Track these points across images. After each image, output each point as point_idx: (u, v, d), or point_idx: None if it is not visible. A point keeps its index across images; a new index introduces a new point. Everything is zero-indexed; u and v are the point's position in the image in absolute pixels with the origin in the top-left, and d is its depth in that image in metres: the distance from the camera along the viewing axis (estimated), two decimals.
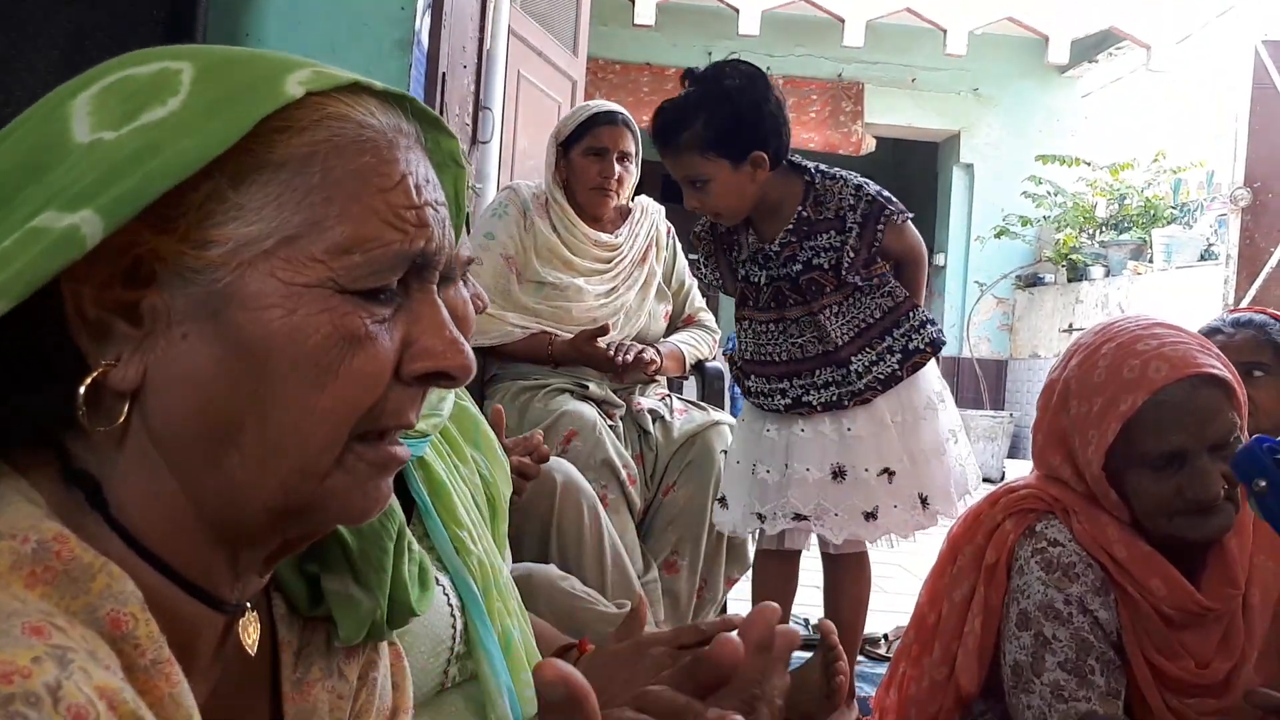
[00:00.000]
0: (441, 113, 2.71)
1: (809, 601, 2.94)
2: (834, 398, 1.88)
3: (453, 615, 1.00)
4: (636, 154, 2.31)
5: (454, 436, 1.14)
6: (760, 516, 1.92)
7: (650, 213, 2.41)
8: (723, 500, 1.99)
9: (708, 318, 2.51)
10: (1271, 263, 4.33)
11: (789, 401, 1.90)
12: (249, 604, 0.55)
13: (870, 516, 1.88)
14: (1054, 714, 1.26)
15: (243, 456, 0.47)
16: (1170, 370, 1.25)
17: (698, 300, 2.51)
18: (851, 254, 1.82)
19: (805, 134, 7.70)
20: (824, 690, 1.75)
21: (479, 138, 3.10)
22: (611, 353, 2.16)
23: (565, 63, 3.94)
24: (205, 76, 0.46)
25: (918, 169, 8.95)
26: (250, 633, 0.55)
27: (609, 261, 2.30)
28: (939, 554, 1.48)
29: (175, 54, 0.48)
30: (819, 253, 1.84)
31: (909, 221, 1.88)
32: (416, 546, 0.72)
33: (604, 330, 2.15)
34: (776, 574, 2.04)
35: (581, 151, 2.26)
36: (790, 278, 1.86)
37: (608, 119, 2.28)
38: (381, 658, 0.67)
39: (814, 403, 1.89)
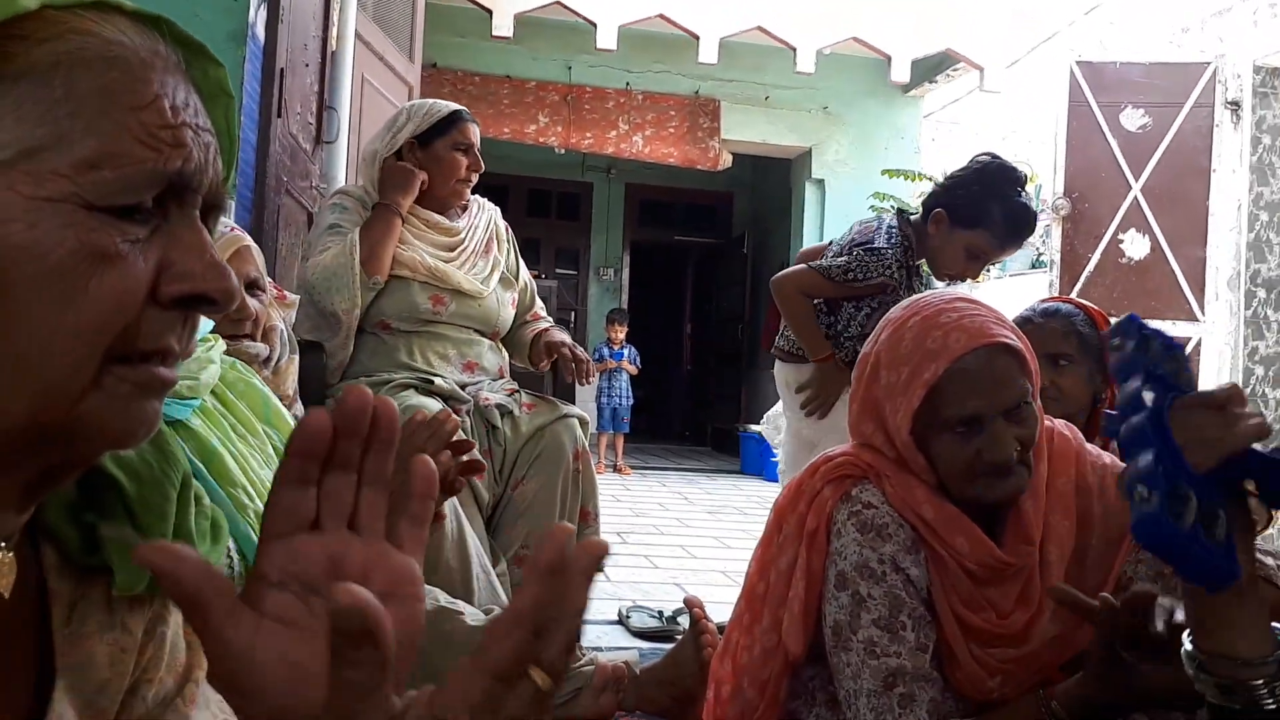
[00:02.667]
0: (281, 110, 2.66)
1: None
2: None
3: (231, 570, 1.05)
4: None
5: (242, 412, 1.20)
6: None
7: (487, 209, 2.46)
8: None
9: (546, 317, 2.57)
10: (1090, 267, 4.66)
11: None
12: (3, 544, 0.53)
13: None
14: (866, 670, 1.32)
15: None
16: (968, 340, 1.33)
17: (538, 302, 2.55)
18: None
19: (665, 149, 7.85)
20: (698, 665, 1.79)
21: (324, 137, 3.05)
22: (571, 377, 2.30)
23: (403, 68, 3.93)
24: None
25: (773, 185, 9.23)
26: (4, 574, 0.53)
27: (453, 249, 2.31)
28: (766, 525, 1.54)
29: None
30: None
31: None
32: (209, 503, 0.72)
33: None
34: None
35: (449, 146, 2.31)
36: None
37: (468, 116, 2.37)
38: (172, 613, 0.65)
39: None
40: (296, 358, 2.26)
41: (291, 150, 2.92)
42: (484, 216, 2.44)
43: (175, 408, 1.07)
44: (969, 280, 2.40)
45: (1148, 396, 0.80)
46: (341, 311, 2.16)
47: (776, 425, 2.58)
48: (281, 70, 2.46)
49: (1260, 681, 0.76)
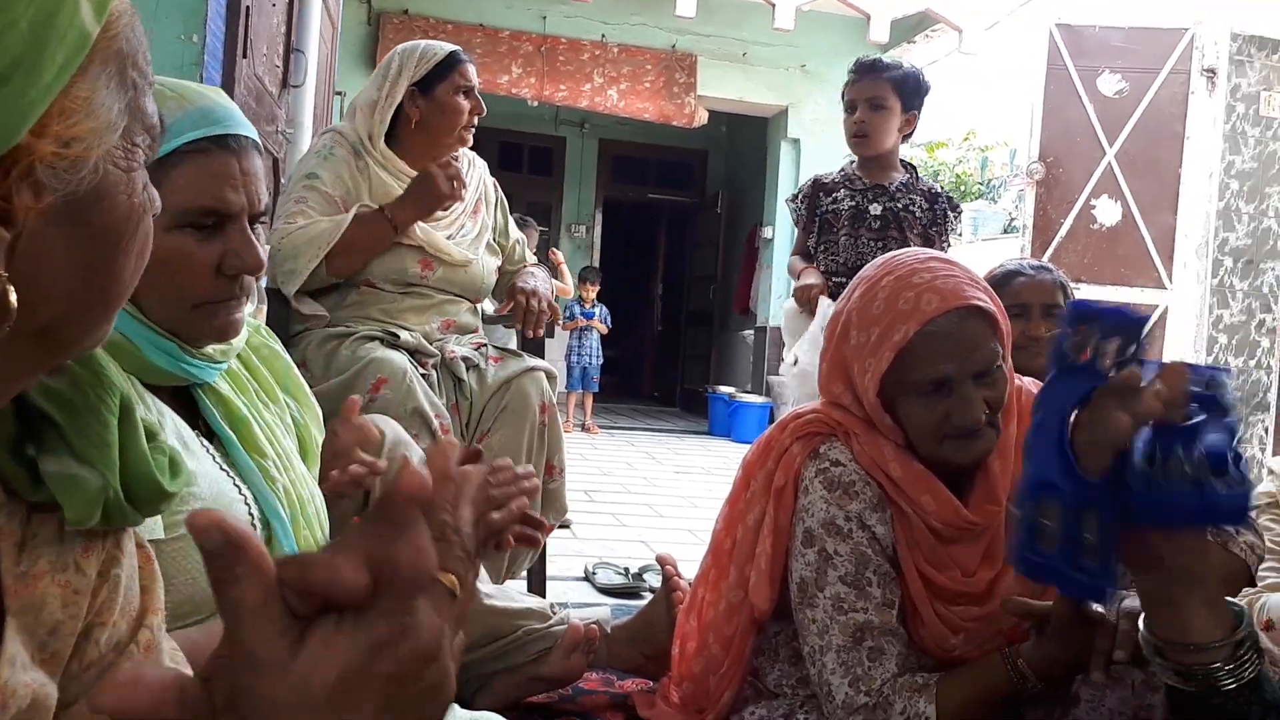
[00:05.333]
0: (246, 51, 2.58)
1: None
2: None
3: (253, 525, 1.05)
4: None
5: (265, 378, 1.21)
6: None
7: (477, 166, 2.37)
8: None
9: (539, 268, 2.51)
10: (1061, 232, 4.67)
11: None
12: None
13: None
14: (834, 625, 1.33)
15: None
16: (940, 302, 1.32)
17: (529, 255, 2.49)
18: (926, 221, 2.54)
19: (640, 104, 7.76)
20: (670, 623, 1.79)
21: (291, 81, 2.96)
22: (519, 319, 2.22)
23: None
24: None
25: (748, 144, 9.17)
26: None
27: (446, 208, 2.24)
28: (734, 481, 1.53)
29: None
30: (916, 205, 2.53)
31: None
32: (168, 442, 0.69)
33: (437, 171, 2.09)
34: None
35: (451, 90, 2.20)
36: (905, 209, 2.52)
37: (465, 56, 2.25)
38: (127, 555, 0.64)
39: None
40: (265, 307, 2.22)
41: (257, 93, 2.84)
42: (474, 174, 2.35)
43: (203, 369, 1.08)
44: (873, 143, 2.55)
45: (1055, 393, 0.79)
46: (281, 285, 2.09)
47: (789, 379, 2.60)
48: (247, 8, 2.39)
49: (1216, 664, 0.75)
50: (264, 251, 1.13)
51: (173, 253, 1.05)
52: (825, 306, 2.58)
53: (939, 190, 2.60)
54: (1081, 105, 4.69)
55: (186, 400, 1.11)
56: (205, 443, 1.08)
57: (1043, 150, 4.71)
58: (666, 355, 11.24)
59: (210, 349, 1.10)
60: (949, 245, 2.63)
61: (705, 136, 9.52)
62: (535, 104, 7.64)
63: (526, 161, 10.28)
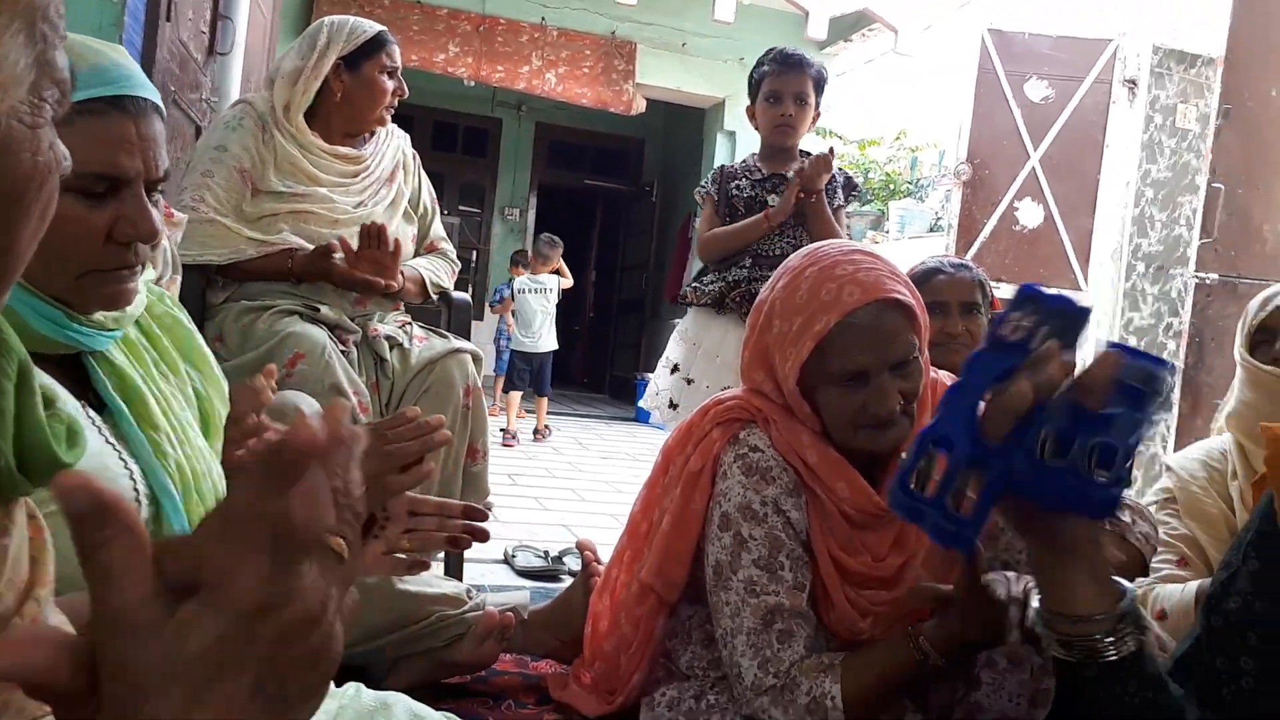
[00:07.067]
0: (170, 14, 2.50)
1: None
2: None
3: (138, 502, 1.00)
4: None
5: (166, 348, 1.14)
6: None
7: (396, 135, 2.34)
8: None
9: (448, 247, 2.45)
10: (985, 232, 4.78)
11: None
12: None
13: None
14: (746, 608, 1.34)
15: None
16: (862, 294, 1.34)
17: (439, 230, 2.45)
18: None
19: (578, 89, 7.72)
20: (587, 608, 1.79)
21: (217, 49, 2.88)
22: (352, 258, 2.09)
23: None
24: None
25: (685, 134, 9.19)
26: None
27: (355, 175, 2.21)
28: (654, 465, 1.54)
29: None
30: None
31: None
32: (65, 411, 0.67)
33: (334, 248, 2.06)
34: None
35: (377, 69, 2.19)
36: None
37: (391, 37, 2.25)
38: (17, 526, 0.61)
39: None
40: (179, 278, 2.16)
41: (181, 59, 2.75)
42: (392, 144, 2.33)
43: (93, 337, 1.02)
44: (797, 135, 2.61)
45: (986, 362, 0.81)
46: (193, 258, 2.05)
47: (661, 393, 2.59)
48: None
49: (1097, 635, 0.78)
50: (160, 219, 1.08)
51: (61, 217, 0.99)
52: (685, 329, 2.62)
53: (835, 171, 2.64)
54: (1009, 110, 4.80)
55: (78, 370, 1.06)
56: (93, 415, 1.01)
57: (970, 152, 4.82)
58: (598, 342, 11.23)
59: (101, 316, 1.03)
60: (849, 227, 2.70)
61: (643, 125, 9.51)
62: (472, 84, 7.54)
63: (461, 142, 10.15)
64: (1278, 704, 0.80)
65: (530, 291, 6.67)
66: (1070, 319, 0.81)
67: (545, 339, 6.59)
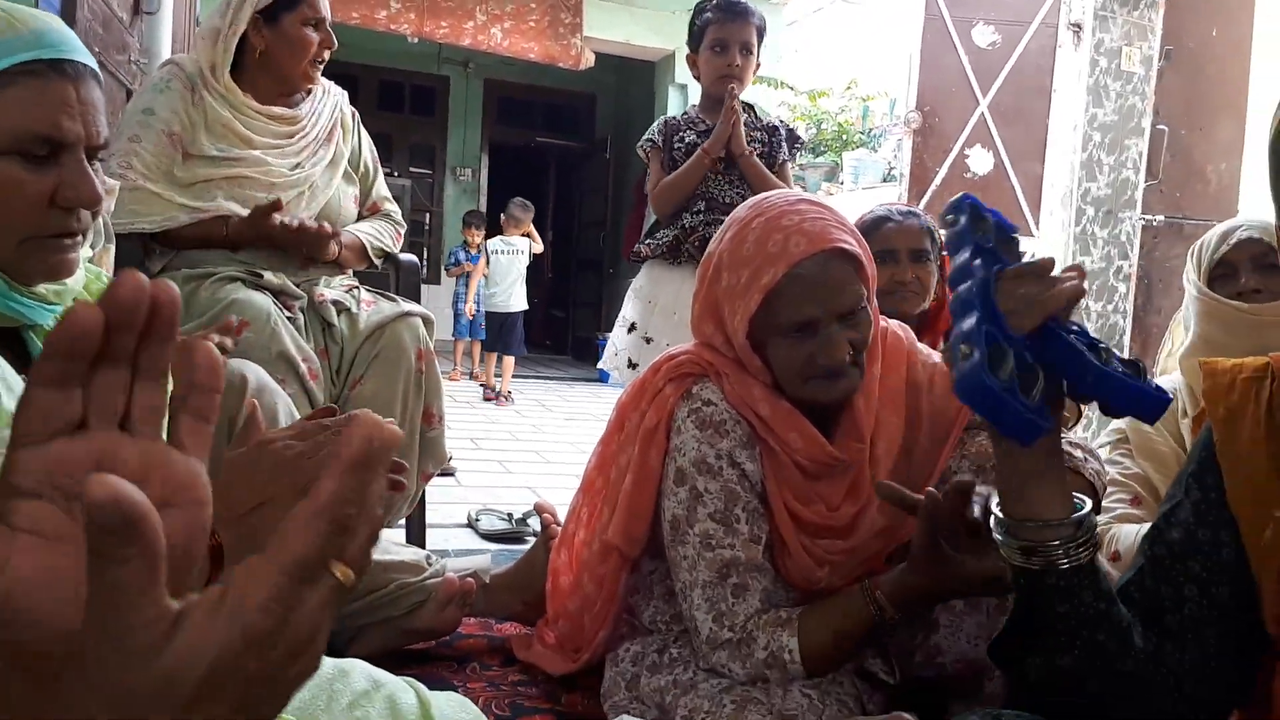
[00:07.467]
0: None
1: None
2: None
3: None
4: None
5: None
6: None
7: (333, 93, 2.27)
8: None
9: (393, 208, 2.40)
10: (937, 181, 4.80)
11: None
12: None
13: None
14: (702, 562, 1.35)
15: None
16: (808, 244, 1.33)
17: (382, 189, 2.39)
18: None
19: (525, 43, 7.57)
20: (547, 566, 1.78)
21: (144, 7, 2.78)
22: (293, 224, 2.03)
23: None
24: None
25: (636, 88, 9.09)
26: None
27: (291, 136, 2.14)
28: (608, 422, 1.53)
29: None
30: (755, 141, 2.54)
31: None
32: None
33: (278, 205, 2.00)
34: None
35: (298, 21, 2.08)
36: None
37: None
38: None
39: None
40: (113, 248, 2.10)
41: (104, 18, 2.65)
42: (329, 102, 2.25)
43: (35, 310, 1.03)
44: (743, 85, 2.55)
45: (976, 267, 0.83)
46: (124, 226, 1.99)
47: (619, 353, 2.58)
48: None
49: (1056, 542, 0.81)
50: (102, 186, 1.07)
51: (2, 181, 0.98)
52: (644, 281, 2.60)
53: (777, 124, 2.63)
54: (957, 56, 4.80)
55: (17, 344, 1.05)
56: None
57: (920, 100, 4.82)
58: (557, 302, 11.17)
59: (43, 288, 1.04)
60: (804, 180, 2.70)
61: (593, 80, 9.39)
62: (415, 40, 7.38)
63: (409, 101, 9.96)
64: (1218, 629, 0.82)
65: (503, 253, 7.05)
66: (1001, 233, 0.88)
67: (516, 298, 7.01)
